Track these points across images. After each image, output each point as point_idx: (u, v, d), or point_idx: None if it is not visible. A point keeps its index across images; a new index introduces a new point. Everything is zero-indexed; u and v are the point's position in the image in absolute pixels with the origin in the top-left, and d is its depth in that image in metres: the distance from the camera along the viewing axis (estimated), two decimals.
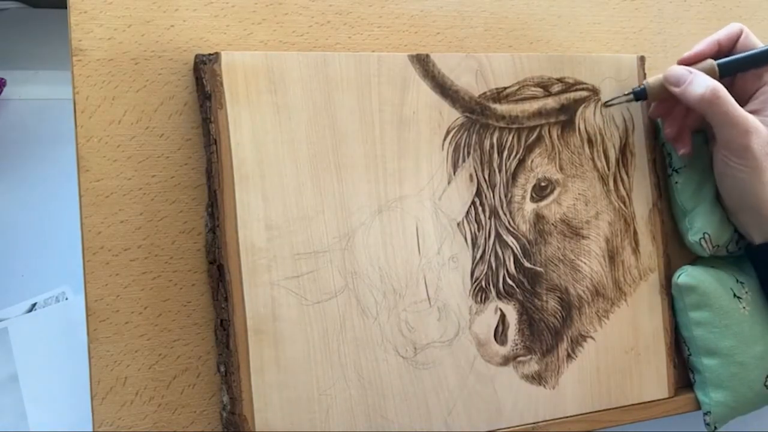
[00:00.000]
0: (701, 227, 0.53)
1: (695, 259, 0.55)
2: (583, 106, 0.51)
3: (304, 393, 0.43)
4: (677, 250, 0.55)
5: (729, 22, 0.52)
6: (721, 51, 0.50)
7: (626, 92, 0.51)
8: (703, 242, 0.53)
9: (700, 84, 0.47)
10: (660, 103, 0.52)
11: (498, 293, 0.48)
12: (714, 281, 0.52)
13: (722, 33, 0.50)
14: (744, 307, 0.52)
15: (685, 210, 0.53)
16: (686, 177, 0.53)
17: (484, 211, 0.48)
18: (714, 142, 0.50)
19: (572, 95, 0.51)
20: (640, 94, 0.50)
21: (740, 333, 0.52)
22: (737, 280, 0.53)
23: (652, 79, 0.50)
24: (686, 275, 0.52)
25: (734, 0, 0.60)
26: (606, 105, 0.51)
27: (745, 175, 0.48)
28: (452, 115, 0.47)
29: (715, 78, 0.48)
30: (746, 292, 0.53)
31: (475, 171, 0.48)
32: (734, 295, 0.52)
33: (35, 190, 0.69)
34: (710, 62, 0.49)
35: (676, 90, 0.48)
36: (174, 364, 0.43)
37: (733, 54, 0.50)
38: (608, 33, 0.56)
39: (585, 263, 0.51)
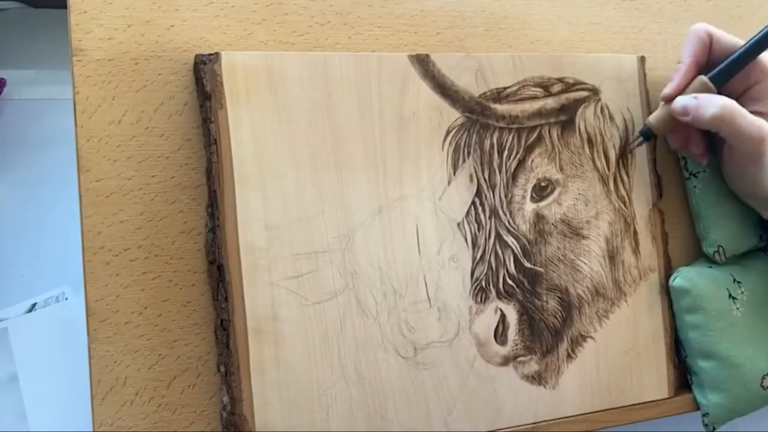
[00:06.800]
0: (716, 240, 0.53)
1: (694, 259, 0.55)
2: (583, 106, 0.51)
3: (304, 393, 0.43)
4: (677, 250, 0.55)
5: (729, 22, 0.51)
6: (700, 63, 0.50)
7: (635, 137, 0.51)
8: (717, 256, 0.53)
9: (710, 105, 0.47)
10: (673, 134, 0.52)
11: (498, 293, 0.48)
12: (709, 283, 0.52)
13: (694, 47, 0.49)
14: (738, 308, 0.52)
15: (699, 216, 0.53)
16: (705, 183, 0.53)
17: (484, 211, 0.48)
18: (723, 146, 0.50)
19: (572, 95, 0.51)
20: (647, 135, 0.50)
21: (735, 335, 0.52)
22: (734, 280, 0.53)
23: (653, 116, 0.50)
24: (681, 278, 0.52)
25: (734, 0, 0.60)
26: (630, 151, 0.52)
27: (759, 177, 0.48)
28: (452, 115, 0.47)
29: (712, 93, 0.48)
30: (742, 292, 0.53)
31: (475, 171, 0.48)
32: (729, 296, 0.52)
33: (35, 190, 0.69)
34: (701, 80, 0.48)
35: (686, 119, 0.48)
36: (174, 365, 0.43)
37: (712, 58, 0.49)
38: (608, 33, 0.55)
39: (585, 263, 0.50)
